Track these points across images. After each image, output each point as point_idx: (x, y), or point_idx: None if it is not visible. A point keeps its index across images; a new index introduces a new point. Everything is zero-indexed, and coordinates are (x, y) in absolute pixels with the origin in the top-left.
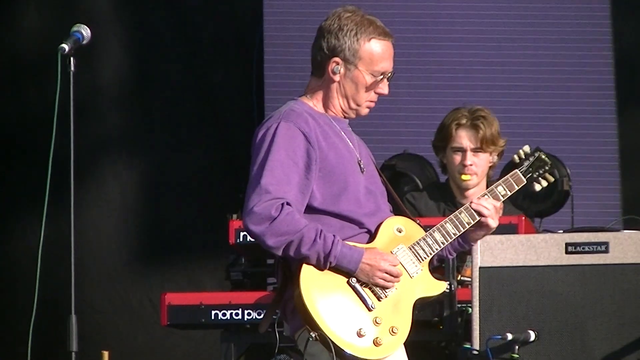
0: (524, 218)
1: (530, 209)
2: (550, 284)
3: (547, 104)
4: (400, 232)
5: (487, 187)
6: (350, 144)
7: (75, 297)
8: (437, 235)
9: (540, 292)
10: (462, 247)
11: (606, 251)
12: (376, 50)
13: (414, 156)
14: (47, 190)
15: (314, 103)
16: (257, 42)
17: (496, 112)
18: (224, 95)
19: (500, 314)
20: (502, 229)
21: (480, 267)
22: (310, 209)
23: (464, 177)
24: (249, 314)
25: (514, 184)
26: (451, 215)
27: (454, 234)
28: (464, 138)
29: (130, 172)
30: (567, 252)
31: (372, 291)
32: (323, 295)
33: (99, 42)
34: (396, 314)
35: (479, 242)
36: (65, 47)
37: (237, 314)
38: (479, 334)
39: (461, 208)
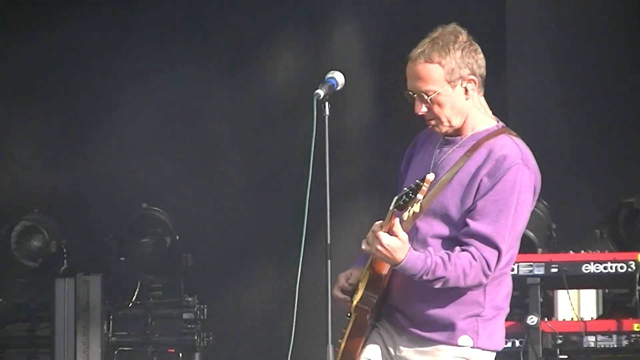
0: None
1: None
2: None
3: None
4: None
5: None
6: (433, 159)
7: (332, 327)
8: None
9: None
10: None
11: None
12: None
13: None
14: (304, 230)
15: None
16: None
17: None
18: None
19: None
20: None
21: None
22: None
23: None
24: None
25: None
26: None
27: None
28: None
29: (377, 213)
30: None
31: None
32: None
33: (348, 87)
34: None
35: None
36: (321, 92)
37: None
38: None
39: None
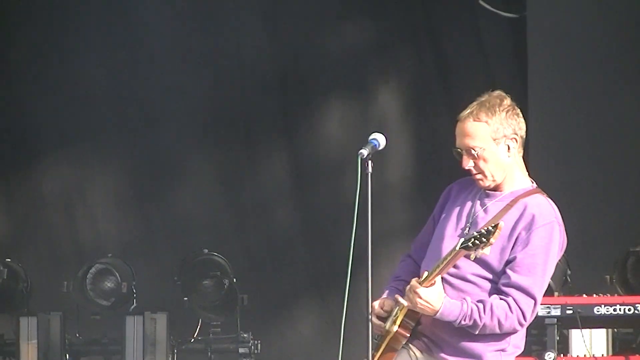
0: None
1: None
2: None
3: None
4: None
5: None
6: (473, 211)
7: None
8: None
9: None
10: None
11: None
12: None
13: None
14: (349, 272)
15: None
16: None
17: None
18: None
19: None
20: None
21: None
22: None
23: None
24: None
25: (451, 251)
26: None
27: None
28: None
29: None
30: None
31: None
32: None
33: (389, 145)
34: (379, 349)
35: None
36: (364, 152)
37: None
38: None
39: None
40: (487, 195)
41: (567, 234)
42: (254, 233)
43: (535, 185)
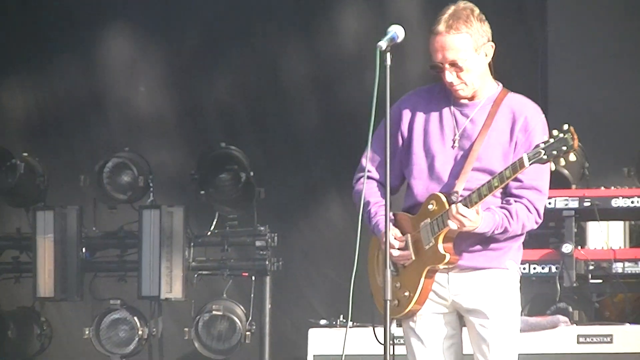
0: None
1: None
2: None
3: None
4: (430, 207)
5: None
6: (455, 122)
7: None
8: (445, 216)
9: None
10: None
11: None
12: (430, 46)
13: None
14: (365, 171)
15: None
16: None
17: None
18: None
19: None
20: None
21: None
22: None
23: None
24: (534, 268)
25: (516, 167)
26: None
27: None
28: None
29: None
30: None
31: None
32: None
33: (407, 39)
34: (411, 279)
35: None
36: (383, 44)
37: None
38: None
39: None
40: (464, 105)
41: (586, 126)
42: (272, 127)
43: (501, 85)
